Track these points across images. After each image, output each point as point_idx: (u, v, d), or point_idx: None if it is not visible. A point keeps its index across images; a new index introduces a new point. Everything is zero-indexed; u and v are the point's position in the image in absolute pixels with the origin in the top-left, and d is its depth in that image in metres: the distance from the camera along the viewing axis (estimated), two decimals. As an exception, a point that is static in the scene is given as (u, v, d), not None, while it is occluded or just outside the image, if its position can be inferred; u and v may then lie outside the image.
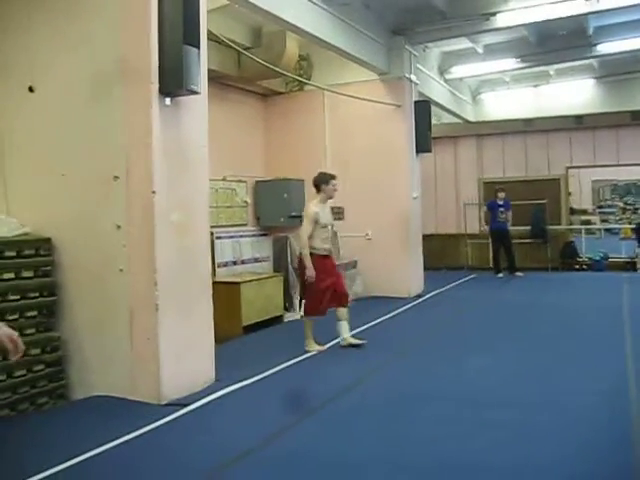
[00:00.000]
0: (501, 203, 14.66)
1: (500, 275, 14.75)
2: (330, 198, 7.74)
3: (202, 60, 5.80)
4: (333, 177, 7.72)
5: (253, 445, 4.55)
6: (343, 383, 6.13)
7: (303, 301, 7.67)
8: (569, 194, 17.84)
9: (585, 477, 3.93)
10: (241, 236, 11.02)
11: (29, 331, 5.66)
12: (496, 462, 4.14)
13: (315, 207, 7.53)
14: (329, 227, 7.72)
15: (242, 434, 4.84)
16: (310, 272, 7.31)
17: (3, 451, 4.60)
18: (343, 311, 7.68)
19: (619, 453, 4.23)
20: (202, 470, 4.16)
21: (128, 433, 4.76)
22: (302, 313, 7.66)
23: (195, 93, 5.66)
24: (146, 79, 5.46)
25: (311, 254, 7.45)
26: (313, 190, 7.71)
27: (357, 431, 4.87)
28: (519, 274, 14.53)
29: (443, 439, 4.61)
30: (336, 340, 7.78)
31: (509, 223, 14.74)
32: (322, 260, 7.50)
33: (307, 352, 7.46)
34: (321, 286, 7.43)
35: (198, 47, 5.58)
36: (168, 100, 5.60)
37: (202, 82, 5.84)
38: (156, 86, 5.48)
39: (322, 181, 7.66)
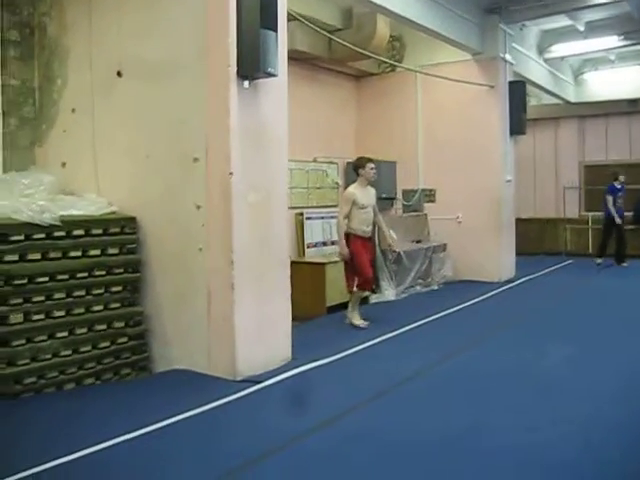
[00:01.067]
0: (619, 187, 13.79)
1: (599, 262, 14.02)
2: (369, 181, 7.92)
3: (281, 43, 5.86)
4: (370, 160, 7.96)
5: (319, 423, 4.62)
6: (419, 365, 6.13)
7: (355, 278, 7.85)
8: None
9: None
10: (331, 217, 11.06)
11: (114, 305, 5.93)
12: (567, 455, 4.05)
13: (353, 189, 7.87)
14: (369, 209, 7.89)
15: (311, 412, 4.90)
16: (344, 250, 7.71)
17: (85, 416, 4.87)
18: (362, 294, 8.18)
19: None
20: (263, 447, 4.26)
21: (200, 406, 4.92)
22: (355, 289, 7.90)
23: (273, 76, 5.72)
24: (224, 62, 5.57)
25: (348, 234, 7.75)
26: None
27: (424, 416, 4.85)
28: (625, 264, 13.90)
29: (509, 428, 4.55)
30: (413, 324, 7.93)
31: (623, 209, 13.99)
32: (360, 241, 7.79)
33: (352, 325, 7.88)
34: (365, 263, 7.76)
35: (276, 30, 5.64)
36: (246, 83, 5.69)
37: (281, 65, 5.90)
38: (234, 69, 5.58)
39: (359, 165, 7.92)
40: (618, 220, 13.54)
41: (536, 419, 4.69)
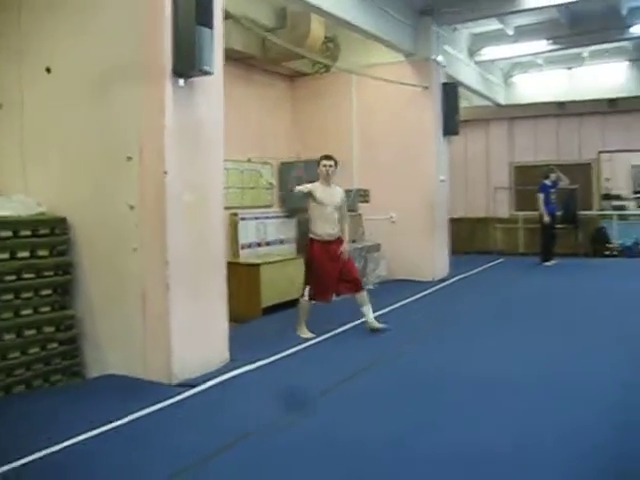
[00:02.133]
0: (551, 184, 13.99)
1: (548, 264, 14.05)
2: (325, 177, 7.48)
3: (217, 41, 5.77)
4: (324, 157, 7.54)
5: (259, 426, 4.57)
6: (357, 366, 6.11)
7: (307, 286, 7.46)
8: (607, 179, 17.59)
9: (590, 461, 3.88)
10: (266, 217, 11.01)
11: (44, 309, 5.74)
12: (505, 448, 4.12)
13: (315, 184, 7.49)
14: (330, 208, 7.43)
15: (250, 415, 4.85)
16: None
17: (14, 426, 4.69)
18: (360, 296, 7.58)
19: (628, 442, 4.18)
20: (203, 451, 4.17)
21: (135, 412, 4.81)
22: (306, 297, 7.44)
23: (209, 74, 5.63)
24: (159, 60, 5.46)
25: (312, 240, 7.46)
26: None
27: (367, 416, 4.85)
28: (549, 264, 14.08)
29: (450, 424, 4.59)
30: (349, 325, 7.88)
31: (557, 207, 14.30)
32: (324, 246, 7.39)
33: (299, 336, 7.41)
34: (322, 272, 7.34)
35: (212, 27, 5.54)
36: (181, 81, 5.59)
37: (217, 63, 5.81)
38: (169, 67, 5.47)
39: (318, 162, 7.57)
40: (546, 219, 13.81)
41: (476, 414, 4.75)
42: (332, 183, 7.57)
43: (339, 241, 7.51)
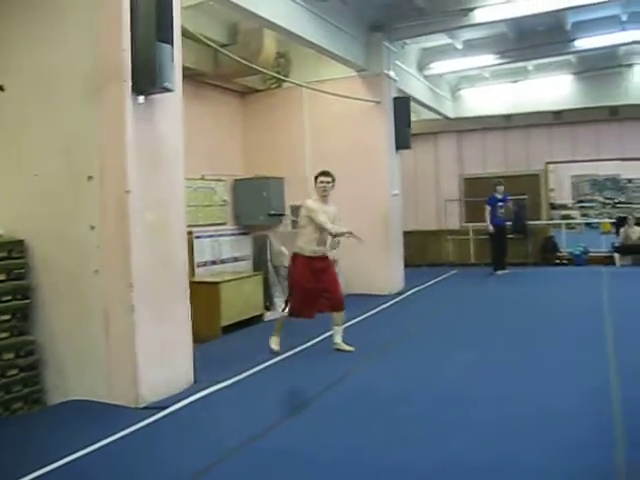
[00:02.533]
0: (500, 197, 14.25)
1: (500, 273, 14.35)
2: (323, 195, 7.33)
3: (176, 57, 5.70)
4: (322, 174, 7.38)
5: (231, 447, 4.49)
6: (322, 383, 6.06)
7: (288, 301, 7.40)
8: (551, 190, 17.93)
9: (565, 477, 3.89)
10: (220, 235, 10.91)
11: (2, 335, 5.57)
12: (475, 462, 4.11)
13: (314, 202, 7.30)
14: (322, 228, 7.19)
15: (220, 437, 4.77)
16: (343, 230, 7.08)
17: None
18: (339, 315, 7.44)
19: (599, 453, 4.18)
20: (177, 475, 4.08)
21: (103, 438, 4.67)
22: (285, 312, 7.41)
23: (169, 91, 5.56)
24: (119, 77, 5.37)
25: (295, 254, 7.34)
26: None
27: (338, 431, 4.81)
28: (501, 272, 14.39)
29: (420, 438, 4.57)
30: (310, 342, 7.85)
31: (506, 219, 14.53)
32: (308, 262, 7.23)
33: (270, 345, 7.40)
34: (302, 288, 7.22)
35: (172, 44, 5.47)
36: (142, 98, 5.51)
37: (176, 80, 5.75)
38: (129, 84, 5.39)
39: (315, 180, 7.40)
40: (490, 229, 14.12)
41: (444, 428, 4.74)
42: (329, 200, 7.42)
43: (324, 258, 7.40)
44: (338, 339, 7.48)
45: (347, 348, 7.43)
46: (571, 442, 4.35)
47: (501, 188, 14.31)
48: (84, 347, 5.70)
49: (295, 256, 7.35)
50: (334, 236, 7.21)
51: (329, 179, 7.34)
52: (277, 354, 7.30)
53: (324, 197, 7.35)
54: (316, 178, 7.38)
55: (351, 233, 7.04)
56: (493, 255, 14.60)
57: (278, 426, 4.94)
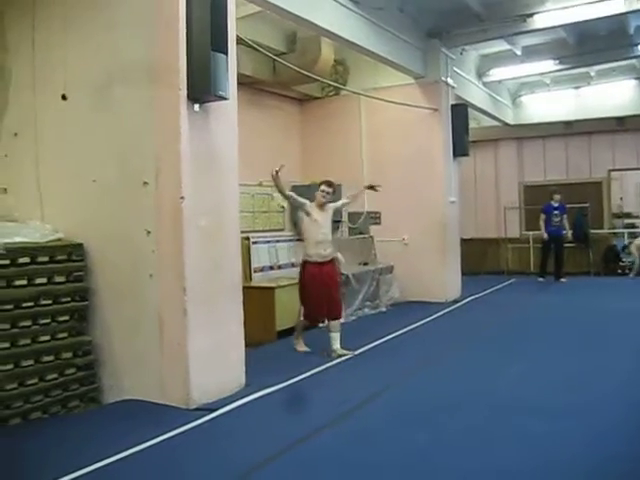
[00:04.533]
0: (556, 206, 14.18)
1: (541, 279, 14.42)
2: (320, 203, 7.62)
3: (231, 66, 5.81)
4: (325, 184, 7.72)
5: (277, 451, 4.54)
6: (372, 389, 6.07)
7: (302, 307, 7.77)
8: (620, 198, 17.57)
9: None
10: (277, 241, 11.01)
11: (61, 335, 5.73)
12: (520, 472, 4.08)
13: (309, 204, 7.60)
14: (325, 230, 7.61)
15: (267, 440, 4.83)
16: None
17: (33, 453, 4.67)
18: (336, 324, 7.67)
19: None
20: (224, 476, 4.16)
21: (154, 437, 4.79)
22: (301, 317, 7.86)
23: (224, 99, 5.68)
24: (175, 85, 5.50)
25: (305, 262, 7.62)
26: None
27: (385, 438, 4.81)
28: (563, 280, 14.26)
29: (472, 448, 4.54)
30: (364, 348, 7.86)
31: (565, 228, 14.41)
32: (316, 268, 7.52)
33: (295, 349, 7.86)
34: (312, 295, 7.53)
35: (226, 53, 5.59)
36: (197, 106, 5.64)
37: (231, 88, 5.85)
38: (184, 92, 5.52)
39: (318, 185, 7.78)
40: (545, 236, 14.09)
41: (492, 438, 4.70)
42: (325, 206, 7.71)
43: (331, 263, 7.70)
44: (336, 345, 7.63)
45: (347, 353, 7.57)
46: (618, 454, 4.29)
47: (558, 197, 14.21)
48: (139, 348, 5.85)
49: (305, 263, 7.62)
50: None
51: (330, 190, 7.69)
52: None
53: (322, 206, 7.66)
54: (319, 185, 7.75)
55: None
56: (541, 262, 14.66)
57: (324, 431, 4.97)
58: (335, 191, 7.83)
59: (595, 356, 7.24)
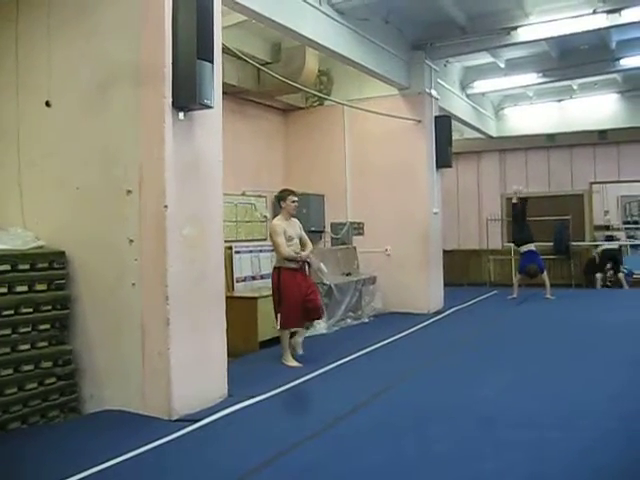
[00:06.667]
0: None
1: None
2: (290, 214, 7.83)
3: (216, 75, 5.79)
4: (292, 193, 7.87)
5: (261, 462, 4.49)
6: (357, 400, 6.04)
7: (278, 315, 7.68)
8: (606, 212, 17.71)
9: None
10: (260, 251, 10.98)
11: (41, 344, 5.65)
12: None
13: (278, 221, 7.77)
14: (296, 240, 7.82)
15: (251, 451, 4.78)
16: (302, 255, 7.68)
17: (12, 464, 4.60)
18: (307, 325, 8.04)
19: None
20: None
21: (136, 448, 4.72)
22: (278, 327, 7.76)
23: (208, 107, 5.65)
24: (160, 93, 5.47)
25: (280, 268, 7.67)
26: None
27: (369, 449, 4.78)
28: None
29: (458, 459, 4.52)
30: (346, 358, 7.87)
31: None
32: (291, 273, 7.62)
33: (285, 365, 7.66)
34: (292, 299, 7.55)
35: (212, 62, 5.57)
36: (181, 114, 5.61)
37: (216, 96, 5.83)
38: (169, 100, 5.49)
39: (281, 198, 7.85)
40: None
41: (480, 449, 4.68)
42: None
43: (302, 270, 7.81)
44: (300, 350, 7.89)
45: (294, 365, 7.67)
46: (604, 467, 4.28)
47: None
48: (120, 358, 5.78)
49: (279, 269, 7.67)
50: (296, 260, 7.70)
51: (297, 199, 7.88)
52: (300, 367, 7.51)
53: (291, 215, 7.87)
54: (285, 198, 7.80)
55: (304, 259, 7.73)
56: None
57: (307, 442, 4.93)
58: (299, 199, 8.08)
59: (582, 367, 7.27)
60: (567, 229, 16.07)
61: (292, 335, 7.86)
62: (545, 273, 13.38)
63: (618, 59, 12.60)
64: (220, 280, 6.24)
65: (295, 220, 7.96)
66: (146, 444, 4.83)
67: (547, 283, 13.43)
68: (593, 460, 4.40)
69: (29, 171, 6.32)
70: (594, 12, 9.92)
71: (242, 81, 10.33)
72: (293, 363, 7.65)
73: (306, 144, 12.55)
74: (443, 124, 12.05)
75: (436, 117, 12.01)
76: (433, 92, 11.91)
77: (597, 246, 16.08)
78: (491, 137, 17.06)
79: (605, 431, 5.01)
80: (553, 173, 16.92)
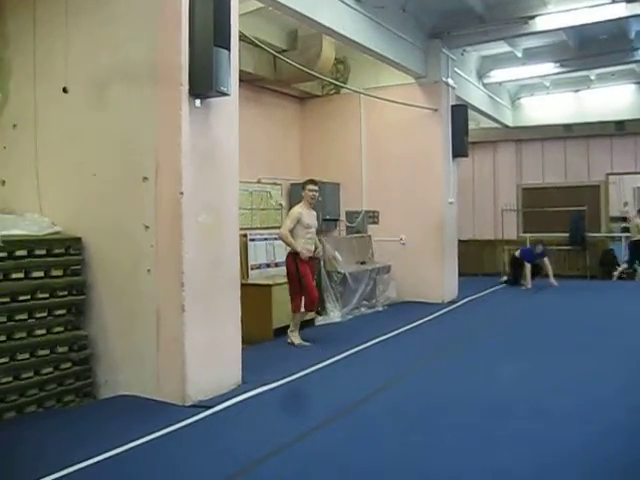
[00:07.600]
0: (539, 252, 13.93)
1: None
2: (310, 203, 8.10)
3: (233, 62, 5.79)
4: (311, 182, 8.14)
5: (273, 449, 4.51)
6: (370, 388, 6.06)
7: (302, 297, 8.03)
8: (625, 203, 17.61)
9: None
10: (275, 239, 10.96)
11: (57, 329, 5.71)
12: (519, 475, 4.06)
13: (299, 208, 8.08)
14: (313, 230, 8.15)
15: (264, 438, 4.80)
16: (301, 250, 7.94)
17: (28, 447, 4.65)
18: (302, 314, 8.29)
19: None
20: (219, 474, 4.14)
21: (149, 434, 4.76)
22: (303, 309, 8.12)
23: (225, 95, 5.65)
24: (176, 80, 5.48)
25: (295, 254, 7.92)
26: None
27: (380, 437, 4.80)
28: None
29: (468, 449, 4.53)
30: (360, 347, 7.89)
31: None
32: (306, 260, 8.04)
33: (292, 344, 8.04)
34: (309, 280, 7.97)
35: (228, 49, 5.57)
36: (198, 102, 5.61)
37: (232, 84, 5.82)
38: (186, 87, 5.49)
39: (303, 187, 8.14)
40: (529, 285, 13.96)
41: (491, 439, 4.68)
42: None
43: (313, 258, 8.30)
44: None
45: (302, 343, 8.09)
46: (616, 458, 4.27)
47: (540, 247, 13.91)
48: (135, 344, 5.82)
49: (294, 255, 7.97)
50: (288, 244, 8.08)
51: (317, 187, 8.16)
52: (308, 348, 7.90)
53: (311, 204, 8.15)
54: (304, 187, 8.11)
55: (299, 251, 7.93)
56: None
57: (320, 429, 4.95)
58: (320, 189, 8.30)
59: (593, 359, 7.23)
60: (583, 220, 15.95)
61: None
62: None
63: (637, 49, 12.49)
64: (235, 267, 6.24)
65: (314, 212, 8.20)
66: (160, 429, 4.86)
67: (528, 276, 13.82)
68: (601, 450, 4.40)
69: (46, 157, 6.36)
70: (613, 1, 9.84)
71: (258, 69, 10.32)
72: (303, 343, 8.06)
73: (322, 132, 12.52)
74: (459, 113, 11.99)
75: (452, 106, 11.95)
76: (450, 81, 11.85)
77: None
78: (507, 127, 16.98)
79: (614, 422, 5.00)
80: (569, 164, 16.81)
